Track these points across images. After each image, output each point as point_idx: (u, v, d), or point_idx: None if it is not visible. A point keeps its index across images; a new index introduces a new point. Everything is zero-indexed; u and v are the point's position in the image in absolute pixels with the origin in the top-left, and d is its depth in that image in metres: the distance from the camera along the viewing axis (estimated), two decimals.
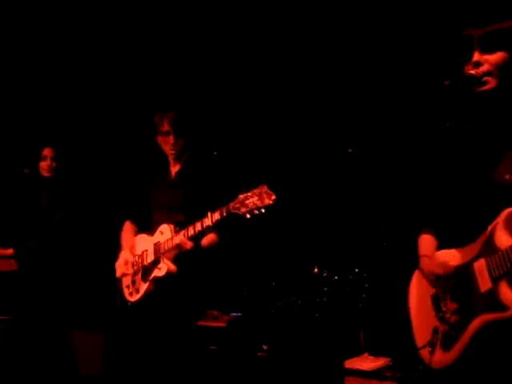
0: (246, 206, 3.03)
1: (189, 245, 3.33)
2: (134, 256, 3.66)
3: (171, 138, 3.61)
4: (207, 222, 3.24)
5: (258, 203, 3.00)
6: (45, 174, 4.51)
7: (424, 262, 2.33)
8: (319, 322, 4.32)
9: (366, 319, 4.21)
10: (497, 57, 2.08)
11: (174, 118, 3.60)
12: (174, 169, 3.73)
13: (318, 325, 4.32)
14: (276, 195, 2.98)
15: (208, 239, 3.50)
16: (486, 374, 2.08)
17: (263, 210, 3.00)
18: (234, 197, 3.12)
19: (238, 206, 3.06)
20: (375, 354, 4.04)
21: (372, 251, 4.36)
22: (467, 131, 2.26)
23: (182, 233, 3.36)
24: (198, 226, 3.27)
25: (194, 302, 3.59)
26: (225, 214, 3.15)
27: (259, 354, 4.26)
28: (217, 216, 3.19)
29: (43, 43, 5.14)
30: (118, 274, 3.69)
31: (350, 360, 3.99)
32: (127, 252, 3.68)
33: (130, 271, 3.61)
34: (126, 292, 3.64)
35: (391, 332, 3.99)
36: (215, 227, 3.28)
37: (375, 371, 3.84)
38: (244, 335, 4.41)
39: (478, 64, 2.10)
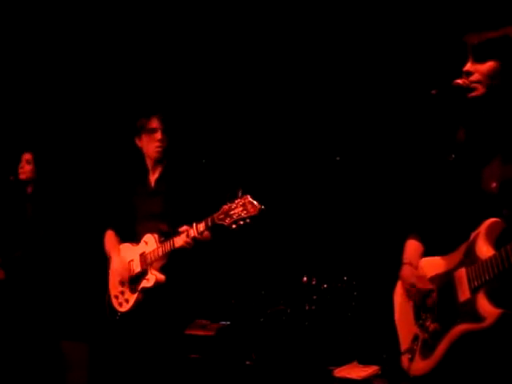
0: (231, 216, 3.04)
1: (193, 244, 3.29)
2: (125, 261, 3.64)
3: (159, 134, 3.60)
4: (192, 233, 3.24)
5: (243, 214, 3.00)
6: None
7: (404, 271, 2.34)
8: (308, 330, 4.31)
9: (355, 327, 4.21)
10: (487, 66, 2.08)
11: (162, 116, 3.62)
12: (153, 177, 3.72)
13: (307, 333, 4.30)
14: (260, 205, 2.98)
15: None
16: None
17: (249, 221, 3.01)
18: (214, 203, 3.13)
19: (222, 216, 3.07)
20: (364, 362, 4.02)
21: (360, 259, 4.36)
22: (460, 141, 2.27)
23: (184, 234, 3.30)
24: (184, 237, 3.27)
25: (184, 311, 3.58)
26: (210, 225, 3.16)
27: (248, 362, 4.24)
28: (202, 227, 3.20)
29: (24, 50, 5.12)
30: (112, 282, 3.66)
31: (339, 368, 3.98)
32: (117, 259, 3.66)
33: (125, 277, 3.59)
34: (115, 302, 3.62)
35: (380, 340, 3.98)
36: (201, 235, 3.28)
37: (364, 380, 3.83)
38: (233, 344, 4.40)
39: (468, 73, 2.12)
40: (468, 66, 2.13)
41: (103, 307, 3.69)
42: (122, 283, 3.60)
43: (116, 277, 3.63)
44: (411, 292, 2.28)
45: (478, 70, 2.10)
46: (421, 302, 2.22)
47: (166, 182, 3.66)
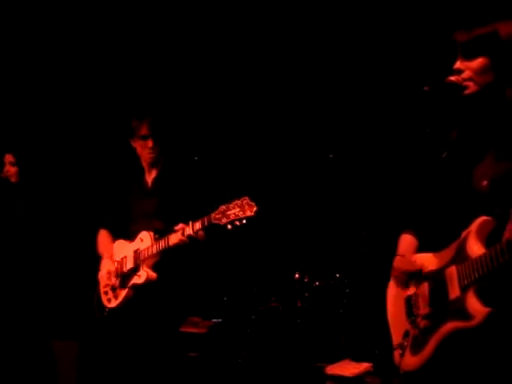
0: (228, 216, 3.06)
1: (188, 241, 3.29)
2: (115, 263, 3.63)
3: (150, 142, 3.60)
4: (188, 231, 3.25)
5: (240, 214, 3.03)
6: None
7: (396, 261, 2.35)
8: (300, 327, 4.31)
9: (347, 324, 4.21)
10: (477, 63, 2.08)
11: (152, 121, 3.60)
12: (150, 176, 3.72)
13: (299, 330, 4.30)
14: (258, 207, 3.00)
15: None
16: (452, 381, 2.08)
17: (245, 222, 3.04)
18: (210, 202, 3.14)
19: (219, 216, 3.09)
20: (357, 359, 4.02)
21: (353, 256, 4.36)
22: (453, 138, 2.26)
23: (179, 232, 3.31)
24: (179, 235, 3.26)
25: (174, 309, 3.56)
26: (206, 224, 3.17)
27: (240, 360, 4.24)
28: (198, 226, 3.21)
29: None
30: (102, 284, 3.65)
31: (331, 366, 3.98)
32: (108, 261, 3.66)
33: (113, 281, 3.58)
34: (104, 298, 3.61)
35: (372, 337, 3.98)
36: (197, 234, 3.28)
37: (357, 377, 3.83)
38: (225, 341, 4.39)
39: (459, 71, 2.11)
40: (458, 64, 2.12)
41: (92, 304, 3.68)
42: (111, 279, 3.59)
43: (110, 278, 3.62)
44: (401, 278, 2.30)
45: (468, 67, 2.10)
46: (420, 292, 2.20)
47: (164, 182, 3.66)
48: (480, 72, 2.08)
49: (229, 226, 3.06)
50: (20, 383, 4.23)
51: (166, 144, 3.67)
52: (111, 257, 3.67)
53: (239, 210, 3.03)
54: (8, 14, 4.92)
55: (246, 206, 3.02)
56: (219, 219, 3.08)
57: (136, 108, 3.86)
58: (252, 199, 3.03)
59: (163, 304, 3.50)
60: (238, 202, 3.05)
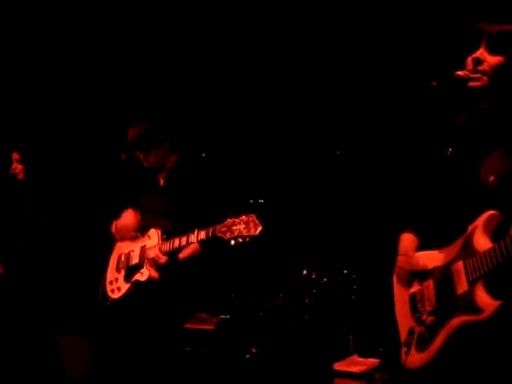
0: (232, 232, 3.03)
1: (163, 259, 3.32)
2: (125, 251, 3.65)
3: (139, 155, 3.61)
4: (192, 238, 3.23)
5: (244, 232, 3.00)
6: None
7: (399, 260, 2.34)
8: (308, 324, 4.31)
9: (355, 321, 4.21)
10: (496, 60, 2.05)
11: (137, 135, 3.57)
12: (163, 174, 3.72)
13: (307, 327, 4.31)
14: (263, 226, 2.97)
15: (191, 249, 3.46)
16: (460, 377, 2.07)
17: (248, 240, 3.01)
18: (220, 207, 3.12)
19: (224, 230, 3.06)
20: (364, 355, 4.02)
21: (361, 252, 4.36)
22: (460, 127, 2.24)
23: (157, 247, 3.35)
24: (183, 241, 3.27)
25: (176, 307, 3.57)
26: (210, 235, 3.15)
27: (247, 356, 4.24)
28: (202, 235, 3.19)
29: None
30: (111, 267, 3.67)
31: (339, 362, 3.98)
32: (121, 245, 3.66)
33: (117, 273, 3.60)
34: (109, 288, 3.63)
35: (380, 333, 3.98)
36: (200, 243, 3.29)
37: (364, 373, 3.84)
38: (233, 338, 4.40)
39: (478, 60, 2.07)
40: (479, 54, 2.07)
41: (97, 293, 3.70)
42: (117, 270, 3.61)
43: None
44: (404, 278, 2.30)
45: (487, 60, 2.06)
46: (425, 288, 2.19)
47: (176, 182, 3.65)
48: (495, 69, 2.05)
49: (232, 242, 3.03)
50: (26, 378, 4.26)
51: (168, 148, 3.65)
52: (125, 240, 3.67)
53: (244, 227, 2.99)
54: (14, 16, 4.95)
55: (252, 224, 2.98)
56: (223, 233, 3.05)
57: (136, 112, 3.85)
58: (259, 218, 2.99)
59: (165, 301, 3.50)
60: (245, 219, 3.01)
